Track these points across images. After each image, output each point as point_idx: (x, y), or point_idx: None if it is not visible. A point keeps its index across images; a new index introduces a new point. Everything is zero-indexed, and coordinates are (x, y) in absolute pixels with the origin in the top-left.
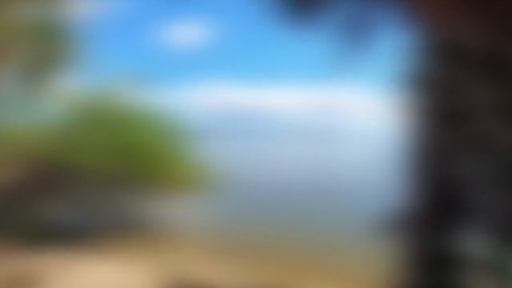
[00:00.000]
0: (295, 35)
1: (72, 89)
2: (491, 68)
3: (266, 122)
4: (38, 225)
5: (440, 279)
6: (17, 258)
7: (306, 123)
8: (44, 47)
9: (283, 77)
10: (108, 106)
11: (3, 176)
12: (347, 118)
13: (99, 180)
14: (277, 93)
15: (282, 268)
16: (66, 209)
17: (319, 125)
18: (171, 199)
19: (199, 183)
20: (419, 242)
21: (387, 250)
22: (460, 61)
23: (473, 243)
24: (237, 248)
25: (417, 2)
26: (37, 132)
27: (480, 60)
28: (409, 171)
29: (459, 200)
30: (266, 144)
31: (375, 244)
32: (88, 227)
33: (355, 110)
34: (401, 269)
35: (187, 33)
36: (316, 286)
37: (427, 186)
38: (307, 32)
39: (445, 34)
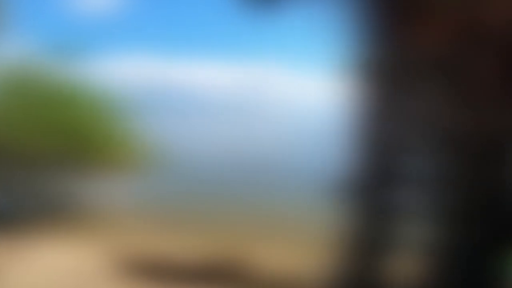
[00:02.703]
0: (227, 7)
1: None
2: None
3: (197, 98)
4: None
5: (383, 233)
6: None
7: (238, 99)
8: None
9: (216, 51)
10: (32, 81)
11: None
12: (282, 92)
13: (29, 160)
14: (210, 68)
15: (230, 240)
16: None
17: (252, 101)
18: (105, 177)
19: (132, 160)
20: (362, 207)
21: (332, 216)
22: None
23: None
24: (181, 224)
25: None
26: None
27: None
28: (348, 141)
29: (399, 168)
30: (199, 120)
31: (320, 210)
32: (22, 211)
33: (289, 85)
34: (347, 233)
35: (111, 2)
36: (265, 254)
37: (368, 154)
38: (239, 3)
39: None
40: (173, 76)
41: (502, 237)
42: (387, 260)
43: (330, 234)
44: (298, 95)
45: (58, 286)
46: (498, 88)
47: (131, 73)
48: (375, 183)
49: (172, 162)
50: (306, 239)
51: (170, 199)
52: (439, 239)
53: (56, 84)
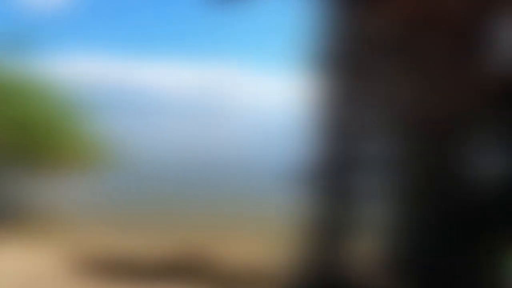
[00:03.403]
0: (188, 5)
1: None
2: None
3: (155, 97)
4: None
5: (345, 218)
6: None
7: (195, 99)
8: None
9: (176, 50)
10: None
11: None
12: (240, 91)
13: None
14: (169, 67)
15: (191, 235)
16: None
17: (209, 101)
18: (61, 177)
19: (88, 160)
20: (323, 194)
21: (294, 206)
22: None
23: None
24: (141, 222)
25: None
26: None
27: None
28: (307, 129)
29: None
30: (157, 119)
31: (282, 201)
32: None
33: (248, 79)
34: (309, 221)
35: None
36: (228, 247)
37: (327, 141)
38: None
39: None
40: (131, 75)
41: (458, 217)
42: (349, 245)
43: (293, 223)
44: (258, 87)
45: None
46: (454, 71)
47: (88, 71)
48: (335, 169)
49: (129, 161)
50: (269, 230)
51: (128, 198)
52: (399, 221)
53: (8, 81)
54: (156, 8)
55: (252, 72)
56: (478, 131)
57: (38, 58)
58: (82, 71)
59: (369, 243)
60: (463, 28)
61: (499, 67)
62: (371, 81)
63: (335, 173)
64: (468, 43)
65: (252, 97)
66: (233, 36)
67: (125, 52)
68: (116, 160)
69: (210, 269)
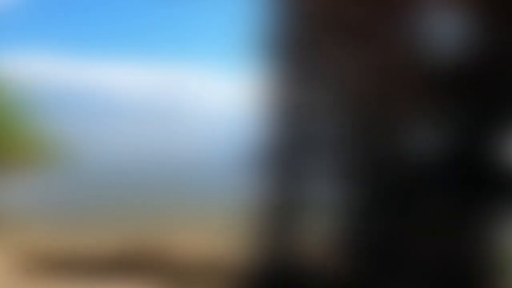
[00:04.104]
0: (144, 4)
1: None
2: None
3: (109, 98)
4: None
5: (299, 201)
6: None
7: (150, 101)
8: None
9: (130, 52)
10: None
11: None
12: (196, 94)
13: None
14: (125, 68)
15: (141, 230)
16: None
17: (164, 103)
18: (12, 177)
19: (39, 160)
20: (274, 180)
21: (248, 194)
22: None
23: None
24: (94, 221)
25: None
26: None
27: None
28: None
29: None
30: (110, 119)
31: (236, 190)
32: None
33: (205, 85)
34: (265, 207)
35: None
36: (183, 240)
37: (279, 126)
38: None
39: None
40: (80, 74)
41: (407, 195)
42: (302, 227)
43: (245, 210)
44: (206, 75)
45: None
46: (394, 49)
47: (36, 71)
48: (286, 152)
49: (78, 159)
50: (220, 220)
51: (77, 195)
52: (350, 201)
53: None
54: (106, 6)
55: (201, 63)
56: (421, 110)
57: None
58: (30, 70)
59: (321, 224)
60: (405, 7)
61: (439, 48)
62: (317, 63)
63: (286, 156)
64: (409, 23)
65: (200, 87)
66: (181, 31)
67: (73, 52)
68: (65, 159)
69: (162, 262)
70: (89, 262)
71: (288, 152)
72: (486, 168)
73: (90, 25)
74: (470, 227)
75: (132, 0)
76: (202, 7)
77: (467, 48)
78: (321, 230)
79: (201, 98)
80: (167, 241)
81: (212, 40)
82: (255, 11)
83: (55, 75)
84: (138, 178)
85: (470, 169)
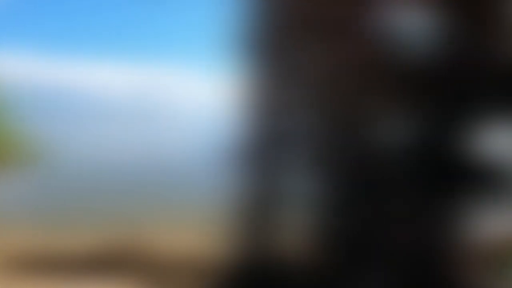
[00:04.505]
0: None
1: None
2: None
3: (88, 99)
4: None
5: (277, 196)
6: None
7: (130, 100)
8: None
9: (110, 52)
10: None
11: None
12: (174, 92)
13: None
14: (104, 68)
15: (122, 228)
16: None
17: (144, 102)
18: None
19: (22, 161)
20: (252, 176)
21: (223, 190)
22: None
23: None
24: (73, 218)
25: None
26: None
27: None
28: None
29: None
30: (90, 121)
31: (215, 188)
32: None
33: (185, 85)
34: (243, 204)
35: None
36: (163, 238)
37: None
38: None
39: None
40: (65, 76)
41: (384, 190)
42: (280, 221)
43: (228, 208)
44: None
45: None
46: (374, 51)
47: (21, 72)
48: (265, 148)
49: (65, 161)
50: (199, 216)
51: (59, 195)
52: (326, 194)
53: None
54: (87, 8)
55: (179, 62)
56: (393, 105)
57: None
58: (12, 71)
59: (299, 218)
60: (378, 4)
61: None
62: (292, 60)
63: (263, 153)
64: (381, 21)
65: (178, 86)
66: (159, 31)
67: (54, 53)
68: (47, 159)
69: (143, 260)
70: (71, 261)
71: (266, 148)
72: (455, 160)
73: (71, 26)
74: (442, 219)
75: (113, 2)
76: (180, 7)
77: (437, 44)
78: (298, 225)
79: (179, 97)
80: (149, 239)
81: (189, 40)
82: (232, 11)
83: (37, 76)
84: (119, 177)
85: (440, 162)
